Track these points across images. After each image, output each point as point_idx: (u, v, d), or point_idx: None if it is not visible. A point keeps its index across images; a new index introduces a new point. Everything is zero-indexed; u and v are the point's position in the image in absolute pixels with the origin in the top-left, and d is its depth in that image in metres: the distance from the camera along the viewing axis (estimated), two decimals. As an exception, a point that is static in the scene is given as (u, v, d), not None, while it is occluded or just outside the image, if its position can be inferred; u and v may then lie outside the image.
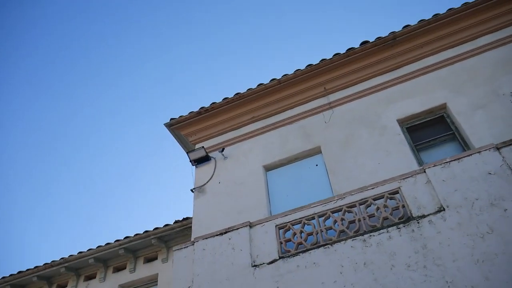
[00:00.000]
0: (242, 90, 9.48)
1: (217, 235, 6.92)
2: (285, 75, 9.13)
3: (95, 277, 10.75)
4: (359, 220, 6.10)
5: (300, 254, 6.04)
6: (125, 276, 10.41)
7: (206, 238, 6.95)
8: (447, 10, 8.35)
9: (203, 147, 9.01)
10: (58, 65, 32.60)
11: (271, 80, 9.21)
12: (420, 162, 7.10)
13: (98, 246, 10.61)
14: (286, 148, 8.47)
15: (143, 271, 10.30)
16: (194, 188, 8.72)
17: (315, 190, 7.61)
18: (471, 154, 5.98)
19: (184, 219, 10.09)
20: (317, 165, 8.04)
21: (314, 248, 6.02)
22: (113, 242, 10.51)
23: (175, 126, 9.74)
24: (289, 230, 6.52)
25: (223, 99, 9.48)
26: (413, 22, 8.53)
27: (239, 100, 9.34)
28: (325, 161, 7.89)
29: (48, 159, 33.78)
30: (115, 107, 35.29)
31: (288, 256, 6.11)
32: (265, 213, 7.51)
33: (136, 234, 10.40)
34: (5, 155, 31.01)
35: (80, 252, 10.65)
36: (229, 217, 7.70)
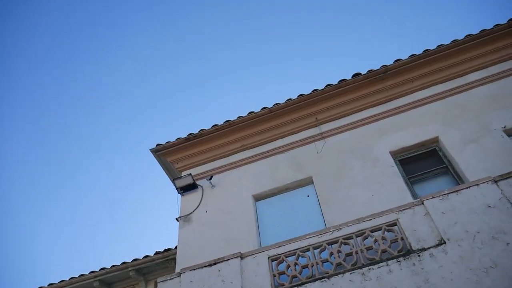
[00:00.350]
0: (232, 117, 9.32)
1: (205, 266, 6.55)
2: (276, 104, 9.04)
3: (67, 312, 10.02)
4: (357, 253, 5.88)
5: (295, 287, 5.73)
6: (99, 314, 9.75)
7: (194, 270, 6.56)
8: (437, 46, 8.53)
9: (190, 174, 8.72)
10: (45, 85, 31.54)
11: (262, 109, 9.10)
12: (414, 195, 7.00)
13: (71, 278, 9.96)
14: (276, 178, 8.27)
15: (119, 307, 9.68)
16: (179, 217, 8.36)
17: (307, 221, 7.38)
18: (469, 187, 5.92)
19: (165, 250, 9.61)
20: (308, 195, 7.84)
21: (310, 282, 5.73)
22: (87, 273, 9.90)
23: (162, 152, 9.44)
24: (283, 262, 6.23)
25: (212, 126, 9.29)
26: (403, 56, 8.64)
27: (229, 127, 9.16)
28: (317, 192, 7.71)
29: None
30: (100, 130, 34.25)
31: (283, 290, 5.79)
32: (255, 244, 7.21)
33: (113, 266, 9.83)
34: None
35: (50, 284, 9.97)
36: (217, 248, 7.35)
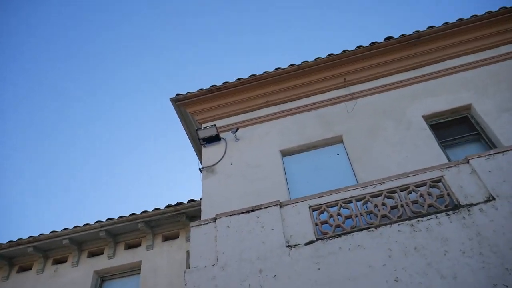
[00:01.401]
0: (257, 73, 9.08)
1: (242, 213, 6.43)
2: (304, 61, 8.88)
3: (66, 261, 9.69)
4: (402, 206, 5.89)
5: (342, 236, 5.71)
6: (102, 262, 9.46)
7: (230, 216, 6.43)
8: (471, 16, 8.54)
9: (214, 125, 8.49)
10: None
11: (289, 65, 8.92)
12: (448, 158, 7.05)
13: (75, 226, 9.62)
14: (304, 135, 8.16)
15: (124, 257, 9.41)
16: (202, 168, 8.16)
17: (337, 178, 7.32)
18: (515, 148, 6.00)
19: (177, 203, 9.42)
20: (338, 154, 7.79)
21: (356, 231, 5.71)
22: (93, 223, 9.59)
23: (182, 102, 9.14)
24: (324, 212, 6.18)
25: (237, 79, 9.05)
26: (437, 24, 8.61)
27: (254, 82, 8.95)
28: (347, 151, 7.67)
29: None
30: (116, 76, 32.82)
31: (328, 238, 5.75)
32: (285, 197, 7.11)
33: (121, 216, 9.56)
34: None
35: (53, 231, 9.61)
36: (246, 199, 7.22)
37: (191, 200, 9.32)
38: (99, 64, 31.80)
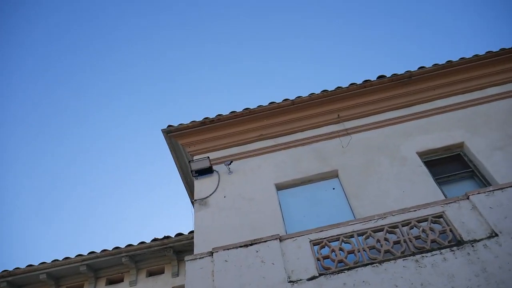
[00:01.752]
0: (250, 106, 9.08)
1: (240, 246, 6.22)
2: (299, 96, 8.95)
3: (41, 297, 9.11)
4: (405, 241, 5.82)
5: (345, 271, 5.55)
6: (82, 298, 8.97)
7: (228, 249, 6.20)
8: (459, 59, 8.87)
9: (208, 157, 8.36)
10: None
11: (284, 100, 8.97)
12: (445, 195, 7.08)
13: (54, 260, 9.10)
14: (299, 169, 8.11)
15: (105, 293, 8.94)
16: (195, 200, 7.94)
17: (334, 213, 7.24)
18: (514, 186, 6.08)
19: (165, 237, 9.08)
20: (334, 188, 7.74)
21: (360, 266, 5.57)
22: (73, 257, 9.09)
23: (174, 133, 9.00)
24: (325, 246, 6.04)
25: (230, 112, 9.01)
26: (427, 65, 8.90)
27: (248, 115, 8.93)
28: (343, 185, 7.64)
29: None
30: (106, 103, 31.96)
31: (331, 273, 5.58)
32: (282, 231, 6.94)
33: (104, 250, 9.12)
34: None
35: (29, 265, 9.06)
36: (240, 233, 7.03)
37: (179, 234, 9.01)
38: (89, 89, 31.29)
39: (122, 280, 9.08)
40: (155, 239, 9.12)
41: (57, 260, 9.08)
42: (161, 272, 9.02)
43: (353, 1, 29.98)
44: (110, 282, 9.12)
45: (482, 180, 7.29)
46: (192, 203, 7.92)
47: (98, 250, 9.14)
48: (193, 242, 8.80)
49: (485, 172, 7.26)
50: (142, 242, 9.11)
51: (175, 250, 8.94)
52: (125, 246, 9.07)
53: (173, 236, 9.05)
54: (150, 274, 9.05)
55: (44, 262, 9.10)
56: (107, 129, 32.36)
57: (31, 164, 29.80)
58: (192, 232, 9.07)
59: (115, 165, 32.60)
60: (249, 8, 30.51)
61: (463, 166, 7.66)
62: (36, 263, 9.12)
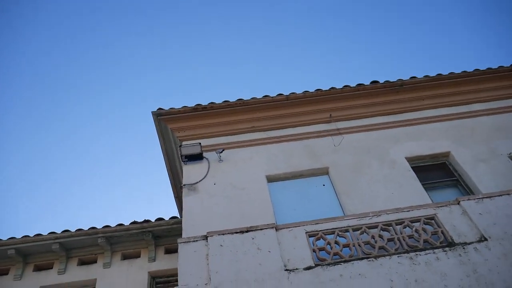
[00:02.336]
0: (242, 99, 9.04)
1: (236, 232, 6.18)
2: (293, 92, 9.01)
3: (7, 274, 8.65)
4: (399, 239, 5.98)
5: (341, 264, 5.63)
6: (51, 277, 8.61)
7: (223, 234, 6.14)
8: (449, 73, 9.23)
9: (199, 143, 8.25)
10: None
11: (278, 95, 9.00)
12: (432, 200, 7.32)
13: (24, 236, 8.69)
14: (290, 163, 8.15)
15: (77, 273, 8.63)
16: (184, 185, 7.80)
17: (324, 209, 7.32)
18: (501, 195, 6.40)
19: (144, 220, 8.88)
20: (324, 185, 7.83)
21: (356, 260, 5.67)
22: (46, 234, 8.71)
23: (164, 117, 8.82)
24: (321, 239, 6.10)
25: (223, 101, 8.95)
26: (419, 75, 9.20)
27: (241, 106, 8.90)
28: (333, 183, 7.75)
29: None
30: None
31: (328, 264, 5.64)
32: (272, 222, 6.94)
33: (79, 229, 8.80)
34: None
35: (-4, 240, 8.59)
36: (231, 220, 6.96)
37: (160, 219, 8.84)
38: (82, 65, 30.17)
39: (95, 262, 8.79)
40: (134, 222, 8.90)
41: (28, 236, 8.68)
42: (137, 256, 8.83)
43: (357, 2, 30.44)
44: (82, 262, 8.81)
45: (466, 189, 7.60)
46: (176, 190, 7.79)
47: (72, 230, 8.83)
48: (173, 228, 8.77)
49: (469, 182, 7.58)
50: (120, 224, 8.87)
51: (154, 234, 8.78)
52: (102, 227, 8.80)
53: (153, 221, 8.87)
54: (125, 257, 8.83)
55: (13, 238, 8.67)
56: (98, 109, 31.55)
57: (19, 139, 28.64)
58: (173, 217, 8.96)
59: (102, 145, 31.87)
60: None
61: (448, 175, 7.96)
62: (4, 238, 8.68)
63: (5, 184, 27.78)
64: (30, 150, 29.79)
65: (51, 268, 8.71)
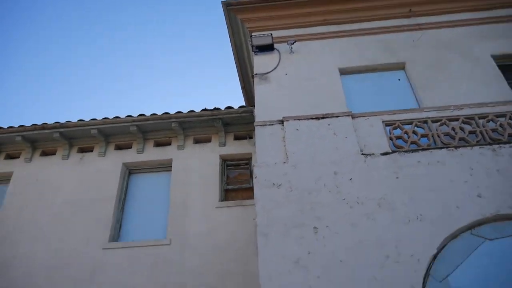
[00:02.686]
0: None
1: (312, 118, 6.24)
2: (370, -16, 8.44)
3: (92, 151, 9.36)
4: (481, 132, 5.83)
5: (419, 151, 5.63)
6: (131, 155, 9.13)
7: (299, 119, 6.23)
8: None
9: (271, 34, 8.09)
10: None
11: (354, -14, 8.48)
12: (518, 99, 6.96)
13: (104, 118, 9.23)
14: (364, 57, 7.89)
15: (154, 153, 9.12)
16: (255, 74, 7.83)
17: (398, 102, 7.15)
18: None
19: (215, 108, 9.10)
20: (399, 79, 7.60)
21: (435, 149, 5.64)
22: (123, 117, 9.21)
23: (234, 7, 8.62)
24: (397, 128, 6.07)
25: (296, -7, 8.56)
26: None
27: (315, -3, 8.49)
28: (410, 78, 7.48)
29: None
30: None
31: (405, 151, 5.67)
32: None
33: (153, 114, 9.22)
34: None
35: (80, 120, 9.20)
36: (303, 108, 6.96)
37: (229, 107, 9.04)
38: None
39: (169, 144, 9.24)
40: (205, 109, 9.15)
41: (107, 118, 9.22)
42: (208, 141, 9.14)
43: None
44: (158, 144, 9.31)
45: (556, 91, 7.13)
46: (243, 81, 7.81)
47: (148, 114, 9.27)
48: (242, 117, 8.93)
49: (560, 83, 7.09)
50: (192, 111, 9.15)
51: (224, 122, 8.98)
52: (175, 113, 9.13)
53: (223, 109, 9.10)
54: (197, 141, 9.21)
55: (95, 119, 9.23)
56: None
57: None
58: (242, 107, 9.09)
59: (173, 32, 32.19)
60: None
61: (537, 75, 7.46)
62: (86, 119, 9.27)
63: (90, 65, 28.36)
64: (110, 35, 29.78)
65: (131, 147, 9.28)
